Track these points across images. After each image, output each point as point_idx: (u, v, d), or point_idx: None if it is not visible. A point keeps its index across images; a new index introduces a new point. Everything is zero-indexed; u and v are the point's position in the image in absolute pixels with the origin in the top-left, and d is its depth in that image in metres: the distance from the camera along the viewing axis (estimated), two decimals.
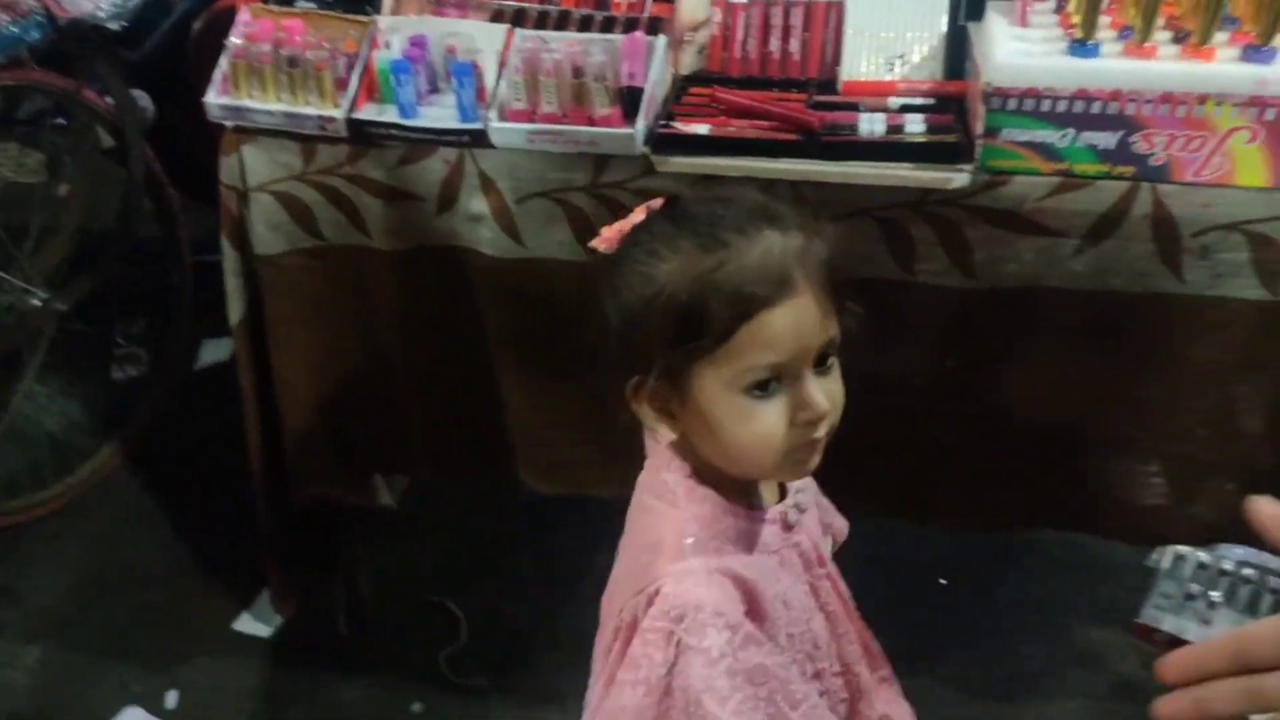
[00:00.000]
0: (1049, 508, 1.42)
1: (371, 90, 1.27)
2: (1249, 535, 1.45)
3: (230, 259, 1.38)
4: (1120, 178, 1.10)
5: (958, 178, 1.12)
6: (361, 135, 1.25)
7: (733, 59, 1.33)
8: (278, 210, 1.33)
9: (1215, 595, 1.71)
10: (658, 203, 0.82)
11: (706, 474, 0.81)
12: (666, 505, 0.81)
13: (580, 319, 1.30)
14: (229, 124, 1.31)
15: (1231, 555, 1.76)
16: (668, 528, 0.80)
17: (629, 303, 0.77)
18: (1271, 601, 1.71)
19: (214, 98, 1.30)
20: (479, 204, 1.25)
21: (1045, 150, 1.11)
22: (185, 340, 2.23)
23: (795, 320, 0.73)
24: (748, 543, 0.81)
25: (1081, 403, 1.28)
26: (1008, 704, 1.60)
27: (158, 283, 2.17)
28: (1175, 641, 1.66)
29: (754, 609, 0.80)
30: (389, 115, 1.24)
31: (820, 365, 0.76)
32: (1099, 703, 1.61)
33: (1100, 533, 1.50)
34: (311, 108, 1.26)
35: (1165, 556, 1.79)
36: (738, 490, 0.82)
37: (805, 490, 0.89)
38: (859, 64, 1.28)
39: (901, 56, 1.29)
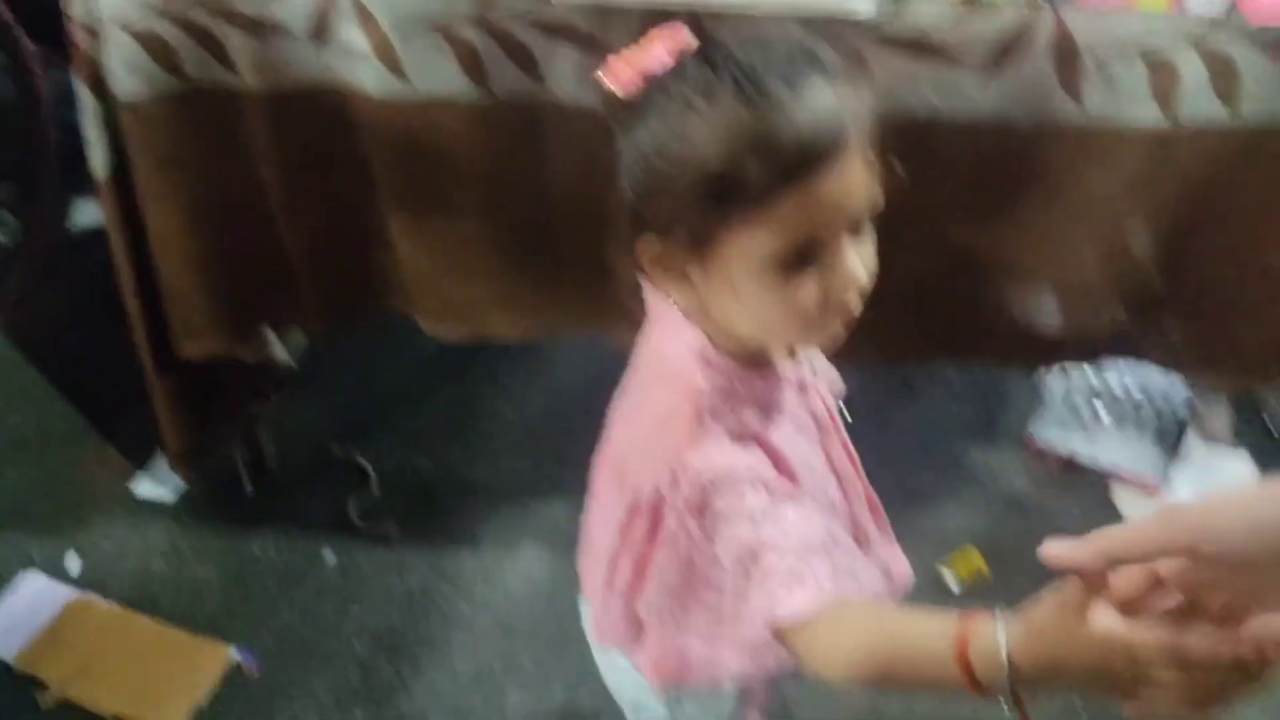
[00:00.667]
0: (947, 338, 1.45)
1: None
2: (1134, 353, 1.52)
3: (89, 107, 1.26)
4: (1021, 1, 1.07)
5: (863, 6, 1.08)
6: None
7: None
8: (136, 50, 1.21)
9: (1100, 410, 1.80)
10: (687, 39, 0.69)
11: (724, 340, 0.75)
12: (680, 374, 0.75)
13: (473, 157, 1.24)
14: None
15: (1117, 374, 1.85)
16: (684, 397, 0.74)
17: (655, 158, 0.67)
18: (1151, 412, 1.81)
19: None
20: (356, 36, 1.15)
21: None
22: (53, 203, 2.07)
23: (843, 185, 0.65)
24: (766, 408, 0.76)
25: (978, 233, 1.29)
26: (908, 524, 1.66)
27: (19, 144, 1.99)
28: (1065, 456, 1.75)
29: (782, 472, 0.75)
30: None
31: (856, 229, 0.69)
32: (992, 516, 1.70)
33: (995, 359, 1.54)
34: None
35: (1055, 379, 1.86)
36: (753, 355, 0.77)
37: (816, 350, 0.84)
38: None
39: None
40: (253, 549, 1.69)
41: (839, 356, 1.49)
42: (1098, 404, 1.83)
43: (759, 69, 0.64)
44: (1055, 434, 1.79)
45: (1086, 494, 1.73)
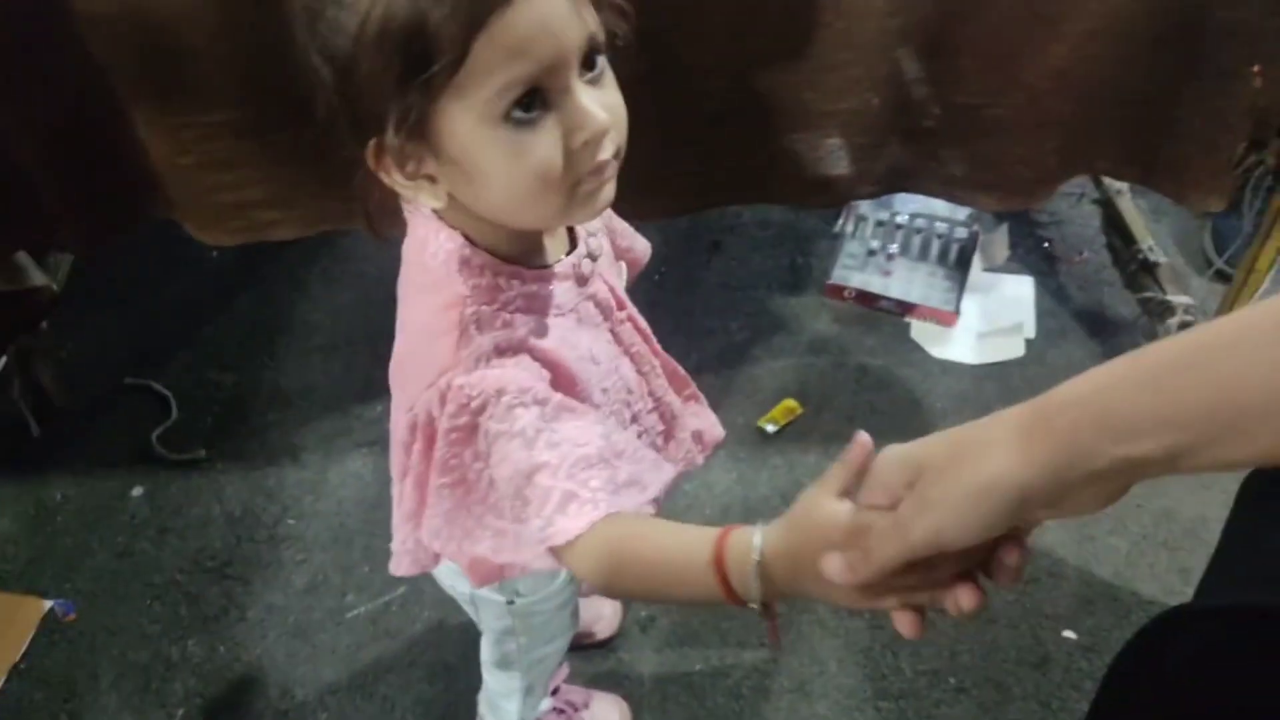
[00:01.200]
0: (742, 184, 1.46)
1: None
2: (915, 184, 1.57)
3: None
4: None
5: None
6: None
7: None
8: None
9: (893, 248, 1.87)
10: None
11: (483, 237, 0.70)
12: (439, 280, 0.70)
13: (216, 34, 1.15)
14: None
15: (904, 209, 1.92)
16: (446, 307, 0.69)
17: (336, 46, 0.61)
18: (939, 245, 1.90)
19: None
20: None
21: None
22: None
23: (539, 15, 0.59)
24: (539, 307, 0.72)
25: (754, 71, 1.29)
26: (720, 374, 1.72)
27: None
28: (863, 294, 1.82)
29: (560, 378, 0.72)
30: None
31: (589, 70, 0.63)
32: (800, 359, 1.76)
33: (789, 201, 1.57)
34: None
35: (848, 220, 1.92)
36: (521, 250, 0.72)
37: (597, 233, 0.78)
38: None
39: None
40: (52, 493, 1.59)
41: (642, 210, 1.50)
42: (886, 236, 1.91)
43: None
44: (853, 275, 1.85)
45: (886, 329, 1.81)
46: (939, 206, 1.88)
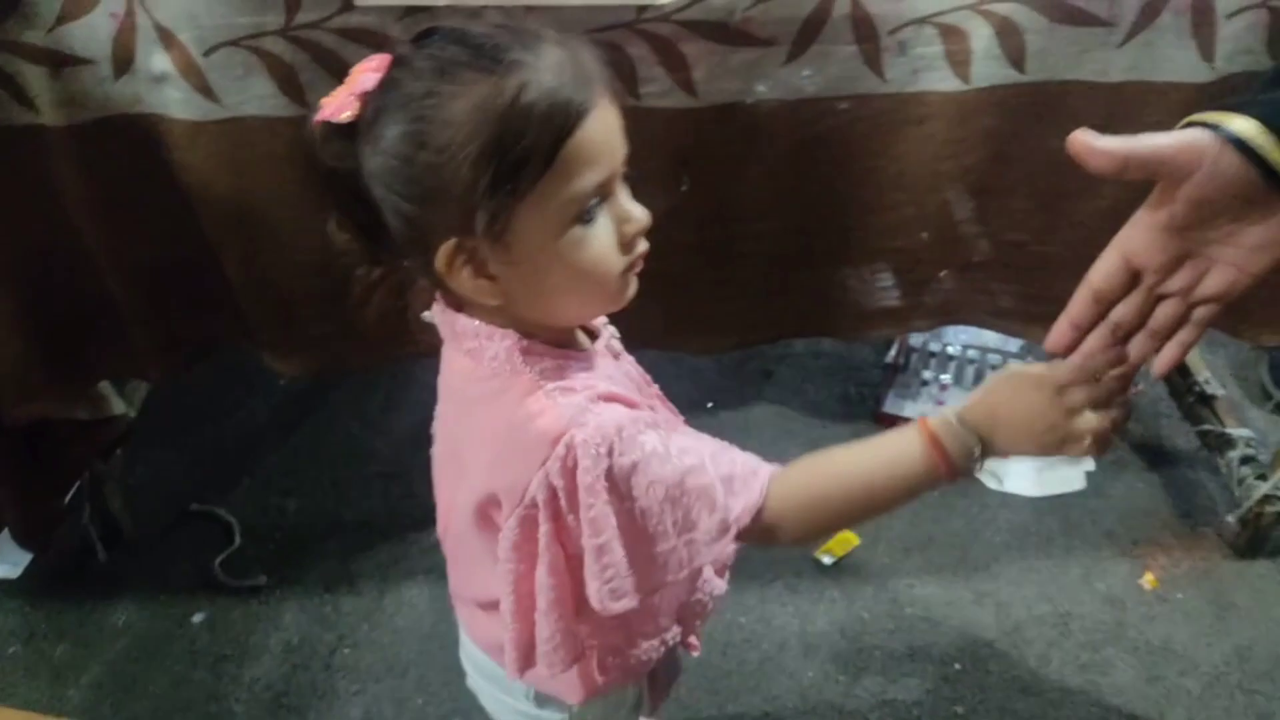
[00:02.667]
0: (793, 319, 1.49)
1: None
2: (966, 317, 1.59)
3: None
4: None
5: None
6: None
7: None
8: None
9: (945, 378, 1.89)
10: (382, 58, 0.69)
11: (530, 334, 0.74)
12: (505, 380, 0.73)
13: (299, 179, 1.22)
14: None
15: (956, 340, 1.94)
16: (524, 396, 0.72)
17: (421, 155, 0.65)
18: (991, 375, 1.90)
19: None
20: (161, 61, 1.12)
21: None
22: None
23: (607, 127, 0.67)
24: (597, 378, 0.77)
25: (807, 213, 1.34)
26: None
27: None
28: None
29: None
30: None
31: (624, 181, 0.71)
32: None
33: (841, 335, 1.60)
34: None
35: (900, 351, 1.94)
36: (563, 343, 0.77)
37: (607, 323, 0.85)
38: None
39: None
40: (114, 620, 1.60)
41: (697, 346, 1.54)
42: (938, 367, 1.92)
43: (482, 44, 0.66)
44: (906, 405, 1.86)
45: None
46: (990, 338, 1.90)
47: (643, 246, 0.72)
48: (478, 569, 0.82)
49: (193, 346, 1.41)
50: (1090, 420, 0.72)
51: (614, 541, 0.70)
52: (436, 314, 0.77)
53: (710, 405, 1.89)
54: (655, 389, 0.87)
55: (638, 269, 0.73)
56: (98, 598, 1.62)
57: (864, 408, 1.90)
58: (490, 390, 0.74)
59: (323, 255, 1.26)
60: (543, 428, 0.70)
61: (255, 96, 1.15)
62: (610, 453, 0.69)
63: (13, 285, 1.28)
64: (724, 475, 0.72)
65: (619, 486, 0.70)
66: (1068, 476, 1.75)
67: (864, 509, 0.77)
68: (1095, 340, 0.75)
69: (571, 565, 0.74)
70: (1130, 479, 1.76)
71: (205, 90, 1.14)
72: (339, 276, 1.29)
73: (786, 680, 1.49)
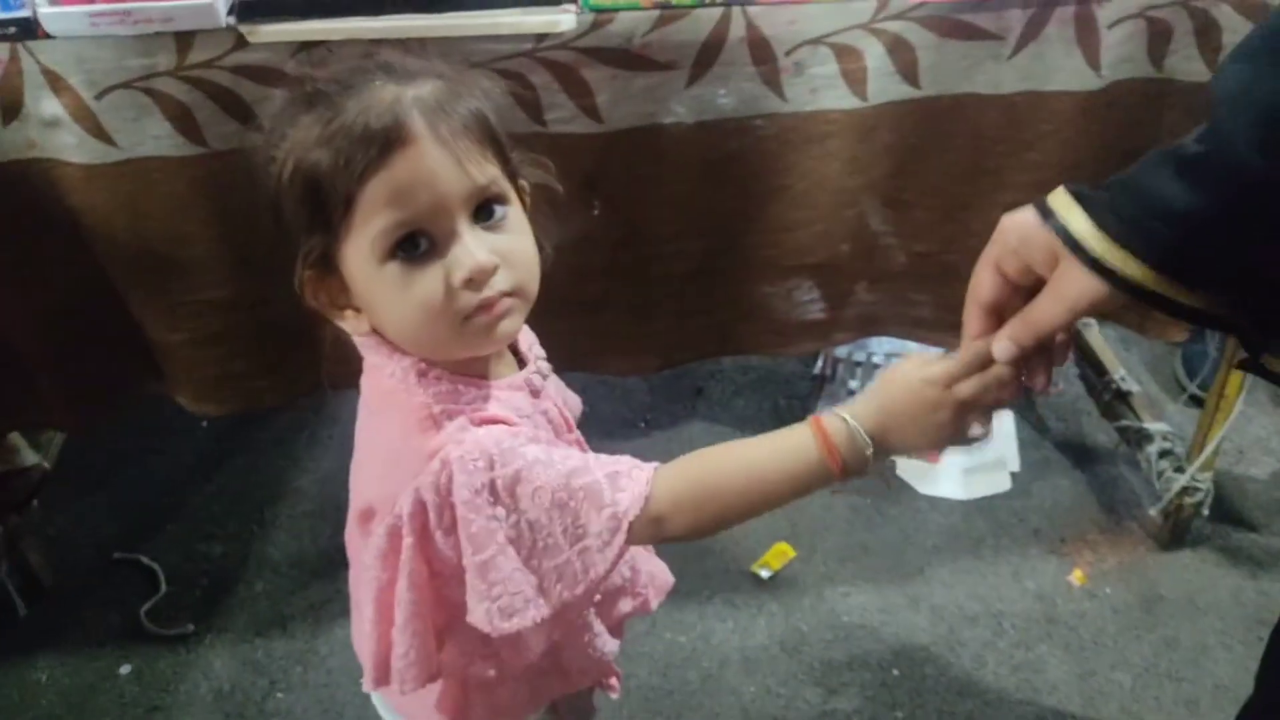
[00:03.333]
0: (718, 337, 1.51)
1: None
2: (887, 328, 1.61)
3: None
4: (713, 4, 1.14)
5: (564, 19, 1.12)
6: None
7: None
8: None
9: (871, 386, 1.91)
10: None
11: (432, 359, 0.75)
12: (399, 398, 0.73)
13: (201, 219, 1.21)
14: None
15: (880, 349, 1.96)
16: (411, 412, 0.72)
17: (266, 194, 0.71)
18: None
19: None
20: (51, 106, 1.10)
21: None
22: None
23: (419, 168, 0.66)
24: (498, 411, 0.75)
25: (722, 232, 1.35)
26: None
27: None
28: None
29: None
30: None
31: (485, 218, 0.70)
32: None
33: (766, 351, 1.61)
34: None
35: (826, 362, 1.96)
36: (470, 372, 0.76)
37: (543, 357, 0.84)
38: None
39: None
40: (37, 676, 1.55)
41: (623, 368, 1.54)
42: (864, 376, 1.94)
43: (329, 86, 0.69)
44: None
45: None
46: (913, 346, 1.92)
47: (490, 290, 0.69)
48: (360, 575, 0.82)
49: (105, 393, 1.38)
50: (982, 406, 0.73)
51: (500, 558, 0.70)
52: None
53: (643, 425, 1.89)
54: (575, 435, 0.86)
55: (494, 312, 0.70)
56: (19, 654, 1.57)
57: (794, 418, 1.89)
58: (386, 404, 0.76)
59: (231, 292, 1.27)
60: (421, 444, 0.71)
61: (151, 137, 1.14)
62: (491, 466, 0.69)
63: None
64: (609, 472, 0.71)
65: (503, 498, 0.70)
66: (993, 479, 1.78)
67: (754, 503, 0.75)
68: (974, 325, 0.73)
69: (435, 583, 0.74)
70: (1055, 477, 1.79)
71: (99, 133, 1.13)
72: (250, 312, 1.29)
73: (728, 697, 1.49)
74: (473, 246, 0.68)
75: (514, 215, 0.72)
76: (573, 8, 1.12)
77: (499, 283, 0.70)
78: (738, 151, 1.26)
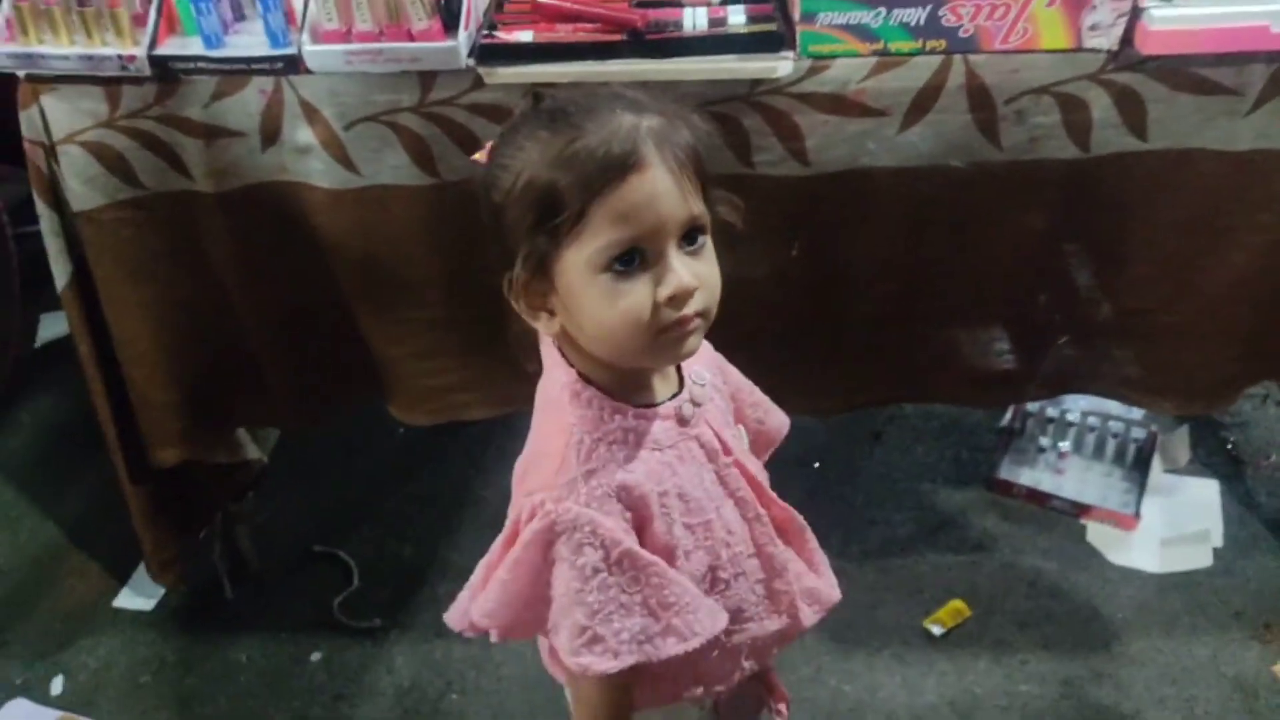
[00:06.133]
0: (905, 383, 1.48)
1: (172, 23, 1.21)
2: (1087, 386, 1.55)
3: (47, 220, 1.31)
4: (933, 52, 1.14)
5: (782, 65, 1.14)
6: (167, 72, 1.19)
7: None
8: (89, 162, 1.25)
9: (1064, 445, 1.83)
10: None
11: (595, 374, 0.82)
12: (557, 405, 0.82)
13: (428, 243, 1.29)
14: (21, 73, 1.22)
15: (1075, 406, 1.88)
16: (556, 433, 0.81)
17: (496, 196, 0.77)
18: (1114, 445, 1.84)
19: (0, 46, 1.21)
20: (305, 134, 1.21)
21: (861, 31, 1.13)
22: (18, 318, 2.11)
23: (649, 193, 0.73)
24: (635, 441, 0.82)
25: (920, 278, 1.33)
26: (882, 569, 1.69)
27: None
28: (1034, 493, 1.78)
29: (639, 513, 0.81)
30: (194, 48, 1.18)
31: (689, 244, 0.76)
32: (967, 557, 1.71)
33: (954, 401, 1.58)
34: (110, 48, 1.18)
35: (1015, 415, 1.90)
36: (628, 388, 0.83)
37: (705, 385, 0.88)
38: None
39: None
40: (238, 654, 1.67)
41: (806, 407, 1.54)
42: (1057, 434, 1.87)
43: (569, 108, 0.75)
44: (1023, 472, 1.81)
45: (1060, 531, 1.75)
46: (1113, 405, 1.84)
47: (688, 309, 0.75)
48: None
49: (325, 398, 1.49)
50: None
51: (505, 575, 0.82)
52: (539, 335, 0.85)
53: (816, 465, 1.88)
54: (734, 458, 0.89)
55: (685, 329, 0.76)
56: (224, 633, 1.70)
57: (976, 472, 1.85)
58: (547, 401, 0.84)
59: (446, 312, 1.35)
60: (544, 471, 0.81)
61: (390, 166, 1.23)
62: (557, 536, 0.79)
63: (163, 337, 1.38)
64: (596, 633, 0.80)
65: (548, 559, 0.80)
66: (1194, 553, 1.67)
67: None
68: None
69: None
70: (1261, 557, 1.67)
71: (345, 161, 1.22)
72: (461, 331, 1.37)
73: None
74: (679, 268, 0.74)
75: (709, 245, 0.78)
76: (790, 54, 1.14)
77: (695, 303, 0.76)
78: (945, 197, 1.24)
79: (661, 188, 0.73)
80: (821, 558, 0.99)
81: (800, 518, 0.97)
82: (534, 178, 0.74)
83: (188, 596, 1.74)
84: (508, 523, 0.85)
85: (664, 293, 0.74)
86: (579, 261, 0.74)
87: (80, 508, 1.93)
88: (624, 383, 0.82)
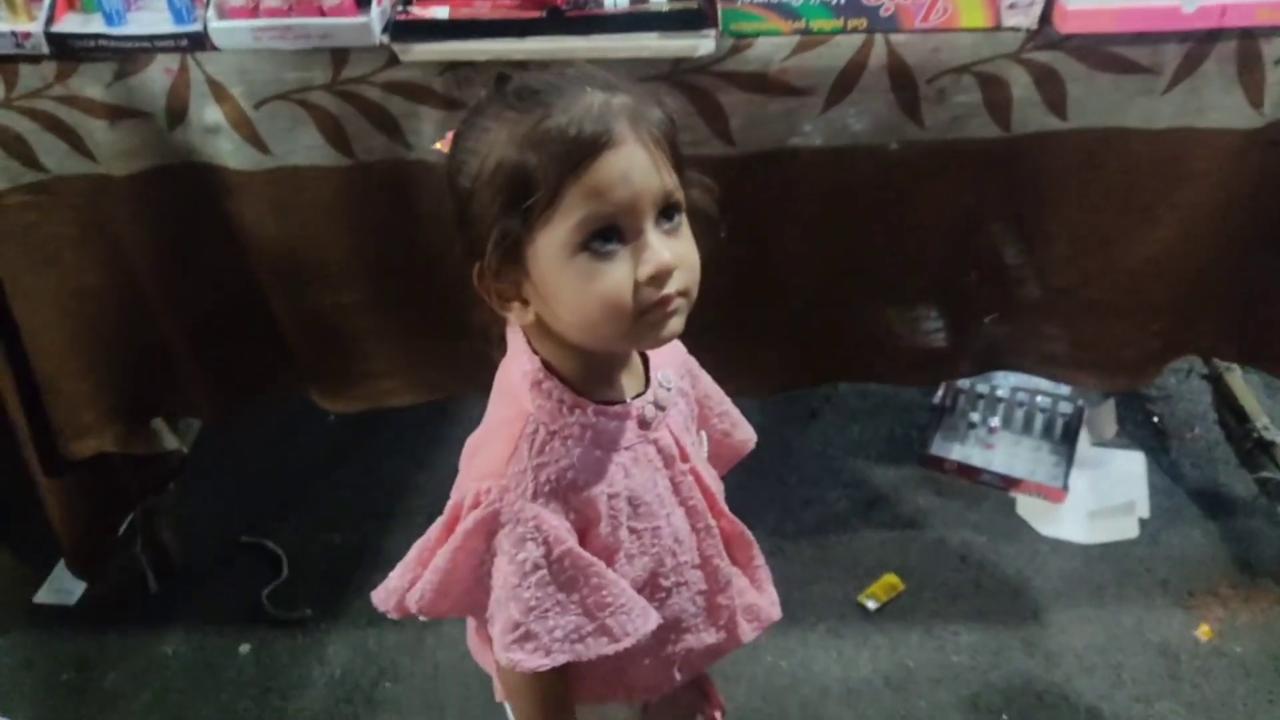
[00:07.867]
0: (838, 363, 1.49)
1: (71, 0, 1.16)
2: (1016, 362, 1.57)
3: None
4: (854, 31, 1.13)
5: (704, 44, 1.12)
6: (66, 50, 1.14)
7: None
8: None
9: (994, 421, 1.86)
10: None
11: (562, 365, 0.80)
12: (516, 392, 0.80)
13: (345, 225, 1.25)
14: None
15: (1005, 383, 1.91)
16: (513, 419, 0.79)
17: (462, 181, 0.74)
18: (1043, 419, 1.87)
19: None
20: (213, 114, 1.16)
21: (783, 10, 1.12)
22: None
23: (624, 169, 0.70)
24: (591, 439, 0.80)
25: (849, 257, 1.33)
26: (818, 545, 1.71)
27: None
28: (965, 467, 1.80)
29: (584, 513, 0.80)
30: (94, 25, 1.13)
31: (666, 221, 0.73)
32: (900, 532, 1.73)
33: (886, 380, 1.58)
34: (3, 23, 1.13)
35: (946, 392, 1.92)
36: (593, 383, 0.81)
37: (671, 389, 0.86)
38: None
39: None
40: (164, 649, 1.64)
41: (741, 390, 1.53)
42: (986, 409, 1.89)
43: (537, 87, 0.72)
44: (954, 447, 1.83)
45: (990, 504, 1.77)
46: (1041, 380, 1.86)
47: (669, 288, 0.72)
48: None
49: (244, 386, 1.45)
50: None
51: (442, 562, 0.83)
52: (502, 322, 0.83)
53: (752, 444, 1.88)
54: (690, 465, 0.87)
55: (667, 310, 0.73)
56: (149, 627, 1.66)
57: (910, 449, 1.87)
58: (506, 387, 0.83)
59: (366, 296, 1.32)
60: (494, 457, 0.79)
61: (303, 146, 1.19)
62: (498, 526, 0.78)
63: (72, 325, 1.33)
64: (530, 630, 0.80)
65: (489, 548, 0.80)
66: (1121, 524, 1.70)
67: None
68: None
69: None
70: (1186, 527, 1.71)
71: (255, 140, 1.18)
72: (386, 315, 1.34)
73: None
74: (658, 246, 0.72)
75: (686, 223, 0.76)
76: (712, 33, 1.12)
77: (675, 282, 0.73)
78: (869, 177, 1.24)
79: (637, 163, 0.71)
80: (766, 574, 0.99)
81: (748, 532, 0.96)
82: (503, 159, 0.71)
83: (111, 592, 1.69)
84: (449, 504, 0.83)
85: (645, 271, 0.71)
86: (554, 244, 0.71)
87: None
88: (590, 376, 0.80)
